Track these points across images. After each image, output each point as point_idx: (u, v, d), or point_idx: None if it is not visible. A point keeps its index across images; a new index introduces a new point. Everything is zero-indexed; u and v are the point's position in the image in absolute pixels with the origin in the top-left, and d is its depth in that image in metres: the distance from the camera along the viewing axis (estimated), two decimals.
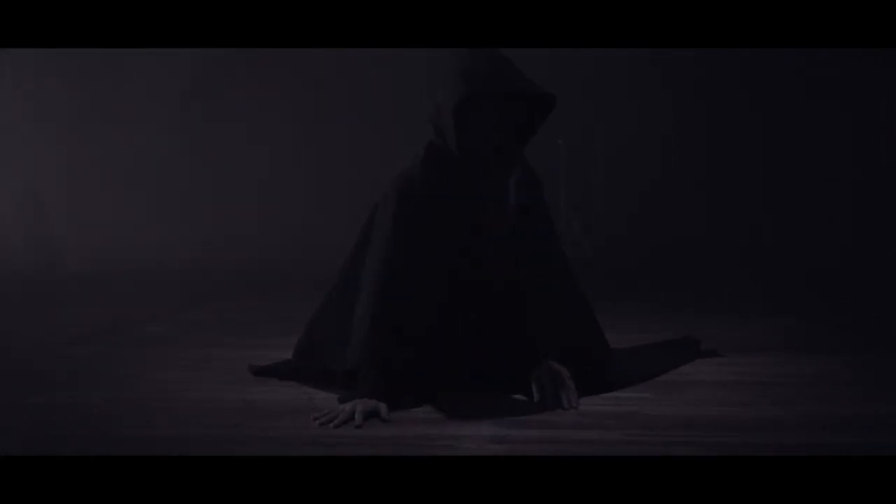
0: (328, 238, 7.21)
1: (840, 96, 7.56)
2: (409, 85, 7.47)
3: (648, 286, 6.16)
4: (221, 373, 3.04)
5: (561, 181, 7.42)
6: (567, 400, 2.43)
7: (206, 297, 5.64)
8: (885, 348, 3.49)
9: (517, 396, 2.56)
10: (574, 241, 7.29)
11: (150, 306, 5.10)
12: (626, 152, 7.69)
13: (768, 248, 7.22)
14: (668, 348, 3.33)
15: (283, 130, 7.79)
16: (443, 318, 2.59)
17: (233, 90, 7.71)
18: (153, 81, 7.70)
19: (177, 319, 4.55)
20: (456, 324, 2.61)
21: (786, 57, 7.47)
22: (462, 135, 2.48)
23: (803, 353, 3.36)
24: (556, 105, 2.56)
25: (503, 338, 2.60)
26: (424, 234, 2.56)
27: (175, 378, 2.95)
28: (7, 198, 7.53)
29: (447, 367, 2.62)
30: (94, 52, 7.40)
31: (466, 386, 2.61)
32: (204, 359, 3.32)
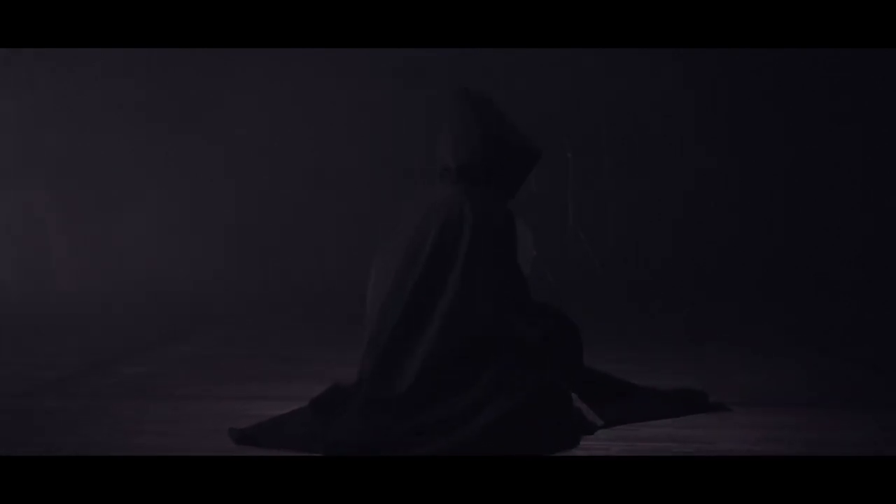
0: (330, 265, 6.95)
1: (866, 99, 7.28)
2: (397, 94, 7.23)
3: (657, 304, 5.92)
4: (199, 432, 2.77)
5: (569, 194, 7.15)
6: None
7: (198, 323, 5.38)
8: None
9: None
10: (581, 255, 7.02)
11: (136, 338, 4.83)
12: (635, 164, 7.40)
13: (784, 266, 6.92)
14: (673, 397, 3.10)
15: (275, 144, 7.49)
16: None
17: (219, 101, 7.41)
18: (142, 89, 7.41)
19: (161, 356, 4.29)
20: None
21: (803, 59, 7.17)
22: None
23: (833, 408, 3.08)
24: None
25: None
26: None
27: (145, 444, 2.67)
28: None
29: None
30: (84, 55, 7.11)
31: None
32: (182, 414, 3.05)
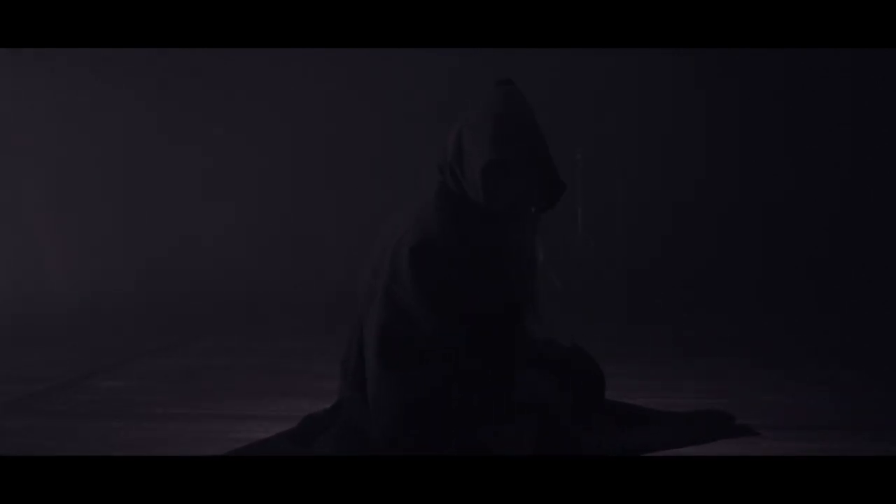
0: (322, 263, 6.72)
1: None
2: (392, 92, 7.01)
3: (670, 316, 5.66)
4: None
5: (578, 197, 6.89)
6: None
7: (190, 331, 5.12)
8: None
9: None
10: (589, 262, 6.77)
11: (123, 347, 4.58)
12: (647, 166, 7.15)
13: (801, 274, 6.66)
14: (696, 419, 2.85)
15: (276, 146, 7.26)
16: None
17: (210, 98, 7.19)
18: (129, 88, 7.19)
19: (144, 368, 4.03)
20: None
21: (803, 59, 6.94)
22: (489, 193, 2.43)
23: (867, 431, 2.81)
24: (566, 191, 2.55)
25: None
26: (451, 292, 2.45)
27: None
28: None
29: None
30: (83, 55, 6.92)
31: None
32: (158, 436, 2.79)
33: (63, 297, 6.46)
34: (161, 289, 6.55)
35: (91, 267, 6.86)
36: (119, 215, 7.13)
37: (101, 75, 7.17)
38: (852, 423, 2.98)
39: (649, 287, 6.53)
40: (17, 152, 7.01)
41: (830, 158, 7.10)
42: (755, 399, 3.28)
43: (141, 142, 7.13)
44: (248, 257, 6.94)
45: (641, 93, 7.12)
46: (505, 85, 2.53)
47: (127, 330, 5.20)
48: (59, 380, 3.69)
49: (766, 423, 2.88)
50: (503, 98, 2.48)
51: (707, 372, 3.85)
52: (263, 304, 6.15)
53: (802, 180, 7.12)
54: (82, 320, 5.57)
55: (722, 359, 4.17)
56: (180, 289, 6.54)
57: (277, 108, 7.19)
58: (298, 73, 7.13)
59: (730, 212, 7.11)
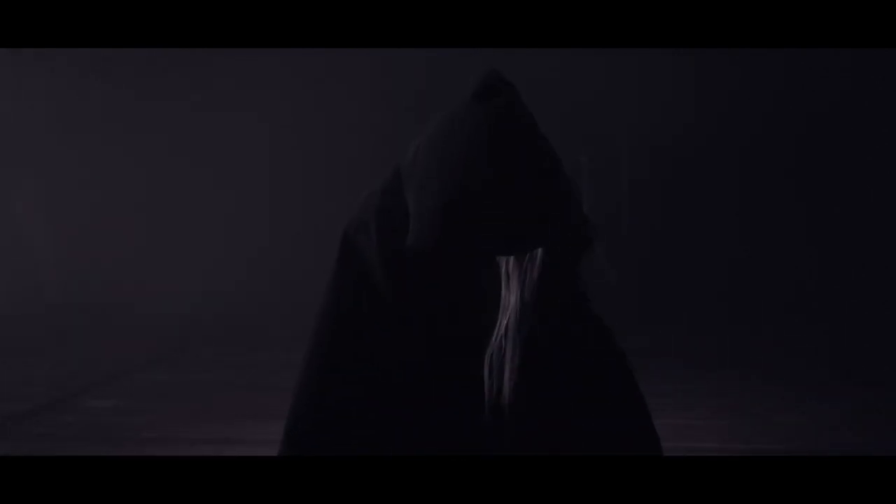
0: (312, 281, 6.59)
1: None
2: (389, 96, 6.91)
3: (675, 327, 5.56)
4: None
5: (583, 202, 6.77)
6: None
7: (184, 343, 5.01)
8: None
9: None
10: (597, 268, 6.66)
11: (116, 359, 4.46)
12: (653, 169, 7.06)
13: (813, 289, 6.56)
14: None
15: (276, 151, 7.15)
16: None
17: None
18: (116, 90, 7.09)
19: (134, 384, 3.91)
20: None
21: (803, 59, 6.87)
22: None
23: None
24: (595, 237, 1.53)
25: None
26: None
27: None
28: None
29: None
30: (81, 57, 6.82)
31: None
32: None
33: (55, 303, 6.37)
34: (157, 294, 6.45)
35: (88, 268, 6.77)
36: (117, 218, 7.04)
37: (100, 75, 7.09)
38: (875, 447, 2.87)
39: (646, 289, 6.45)
40: (17, 152, 6.93)
41: (831, 158, 7.03)
42: (770, 420, 3.18)
43: (141, 142, 7.04)
44: (246, 264, 6.85)
45: (641, 93, 7.03)
46: (487, 100, 1.60)
47: (122, 336, 5.09)
48: (45, 398, 3.55)
49: (784, 445, 2.78)
50: (483, 142, 1.63)
51: (716, 388, 3.75)
52: (261, 315, 6.04)
53: (803, 181, 7.06)
54: (75, 327, 5.46)
55: (727, 371, 4.08)
56: (174, 295, 6.44)
57: (278, 110, 7.10)
58: (299, 75, 7.04)
59: (729, 211, 7.05)
